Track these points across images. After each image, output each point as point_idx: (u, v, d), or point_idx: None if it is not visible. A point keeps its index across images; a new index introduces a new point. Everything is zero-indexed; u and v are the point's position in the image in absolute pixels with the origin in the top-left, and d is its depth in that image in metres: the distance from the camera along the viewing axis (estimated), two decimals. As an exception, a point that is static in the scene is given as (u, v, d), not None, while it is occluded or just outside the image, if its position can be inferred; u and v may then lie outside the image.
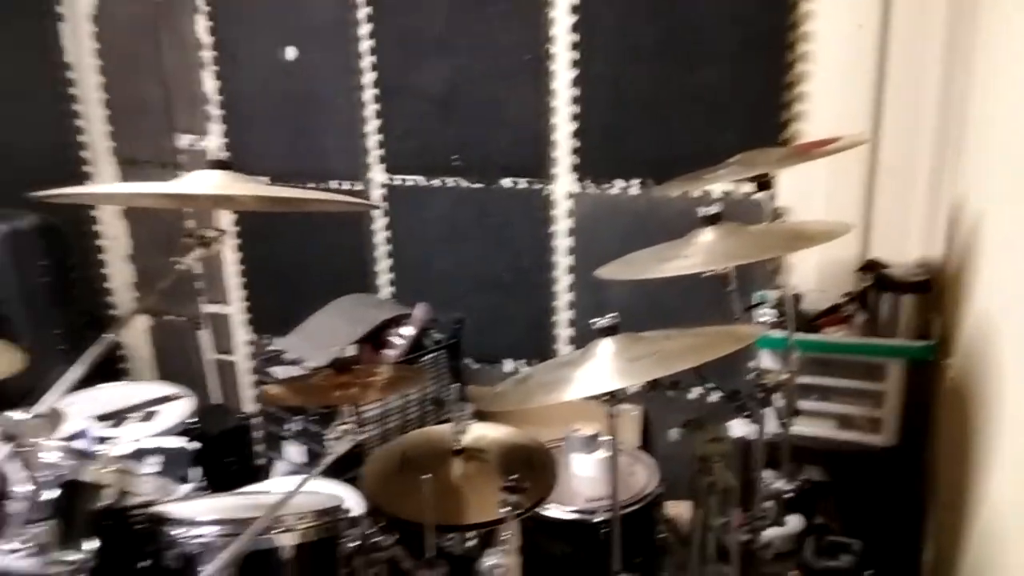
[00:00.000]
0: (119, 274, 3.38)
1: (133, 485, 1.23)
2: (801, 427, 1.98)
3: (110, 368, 3.27)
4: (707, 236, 1.46)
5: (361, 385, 1.27)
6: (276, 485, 1.98)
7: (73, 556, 1.01)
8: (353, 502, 1.50)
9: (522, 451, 1.53)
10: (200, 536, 1.24)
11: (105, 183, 3.25)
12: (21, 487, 1.04)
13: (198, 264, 1.07)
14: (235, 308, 3.20)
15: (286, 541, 1.26)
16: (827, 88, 2.14)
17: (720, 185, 2.24)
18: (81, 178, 3.20)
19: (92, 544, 1.06)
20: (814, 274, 2.23)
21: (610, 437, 1.38)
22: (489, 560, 1.15)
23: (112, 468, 1.21)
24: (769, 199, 1.68)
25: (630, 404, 2.53)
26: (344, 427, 1.20)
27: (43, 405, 0.96)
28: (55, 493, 1.10)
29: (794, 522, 2.07)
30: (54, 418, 0.98)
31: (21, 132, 2.93)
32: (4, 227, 2.49)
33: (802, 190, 2.20)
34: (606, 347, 1.34)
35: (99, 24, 3.11)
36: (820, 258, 2.21)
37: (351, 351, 1.33)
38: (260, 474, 2.74)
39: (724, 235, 1.44)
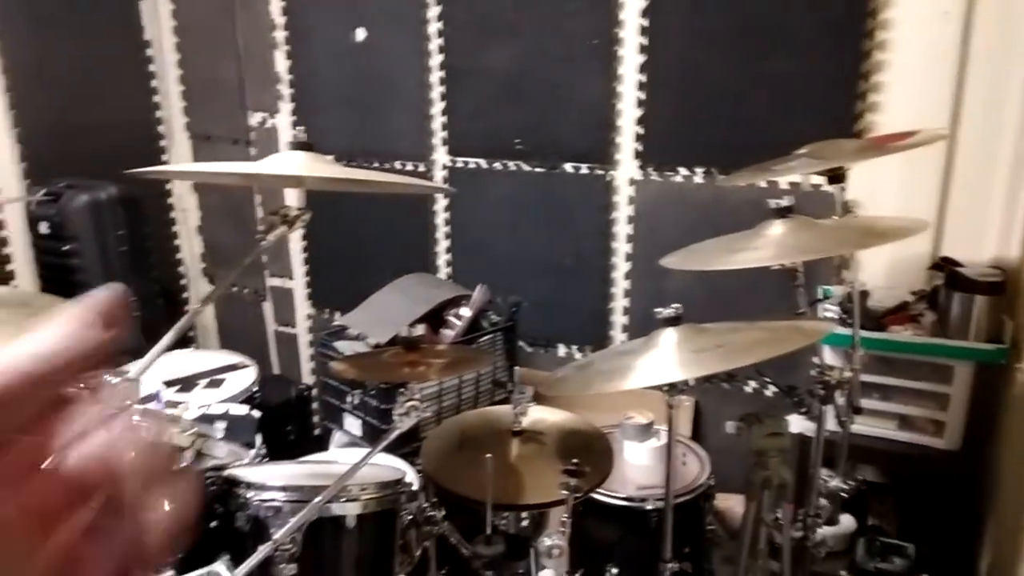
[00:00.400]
0: (189, 245, 3.51)
1: (208, 448, 1.29)
2: (861, 426, 1.95)
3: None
4: (777, 229, 1.44)
5: (428, 364, 1.30)
6: (338, 455, 2.04)
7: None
8: (411, 477, 1.54)
9: (580, 436, 1.55)
10: (270, 501, 1.30)
11: (179, 157, 3.37)
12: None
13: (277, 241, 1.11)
14: (298, 283, 3.29)
15: (350, 510, 1.31)
16: (905, 78, 2.07)
17: (789, 176, 2.20)
18: (157, 152, 3.32)
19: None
20: (883, 270, 2.18)
21: (666, 427, 1.39)
22: (547, 541, 1.18)
23: (190, 431, 1.27)
24: (840, 192, 1.64)
25: (684, 395, 2.52)
26: (410, 403, 1.23)
27: (132, 370, 1.01)
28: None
29: (847, 522, 2.05)
30: (136, 382, 1.03)
31: (103, 107, 3.06)
32: (86, 197, 2.61)
33: (874, 183, 2.14)
34: (669, 337, 1.34)
35: (177, 3, 3.21)
36: (890, 254, 2.16)
37: (416, 330, 1.36)
38: (318, 444, 2.83)
39: (795, 228, 1.42)
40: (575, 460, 1.21)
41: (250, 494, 1.29)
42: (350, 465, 1.26)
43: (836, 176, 1.62)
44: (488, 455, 1.24)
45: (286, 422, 2.89)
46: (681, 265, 1.48)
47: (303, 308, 3.31)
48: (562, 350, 2.76)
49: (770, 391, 2.40)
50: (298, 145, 1.16)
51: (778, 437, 1.58)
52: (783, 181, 2.22)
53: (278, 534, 1.17)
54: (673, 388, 1.34)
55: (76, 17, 2.95)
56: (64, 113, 2.92)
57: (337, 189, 1.36)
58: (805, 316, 1.53)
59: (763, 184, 2.24)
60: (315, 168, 1.06)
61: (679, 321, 1.37)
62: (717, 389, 2.49)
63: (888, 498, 2.16)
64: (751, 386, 2.45)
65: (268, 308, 3.42)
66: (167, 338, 1.09)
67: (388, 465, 1.57)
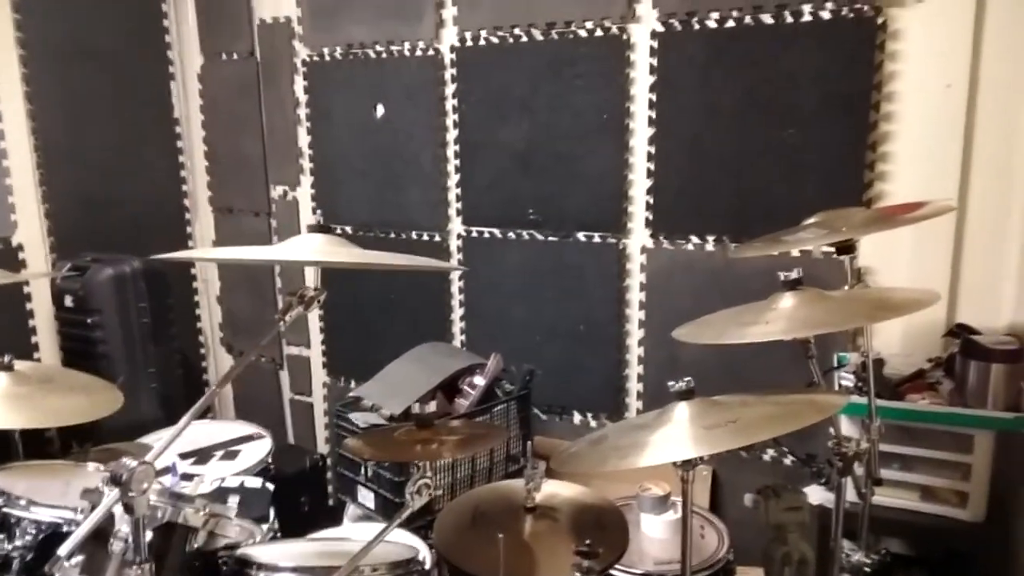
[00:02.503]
0: (209, 314, 3.57)
1: (221, 528, 1.30)
2: (882, 497, 1.91)
3: (194, 403, 3.42)
4: (788, 302, 1.45)
5: (441, 441, 1.31)
6: (351, 531, 2.02)
7: (167, 595, 1.06)
8: (424, 553, 1.52)
9: (594, 512, 1.53)
10: (282, 581, 1.29)
11: (203, 230, 3.46)
12: (124, 528, 1.11)
13: (294, 320, 1.14)
14: (314, 351, 3.32)
15: (363, 591, 1.30)
16: (912, 149, 2.10)
17: (799, 245, 2.22)
18: (181, 225, 3.41)
19: (182, 584, 1.11)
20: (898, 337, 2.17)
21: (682, 501, 1.37)
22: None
23: (203, 511, 1.28)
24: (851, 262, 1.66)
25: (700, 466, 2.48)
26: (423, 481, 1.23)
27: (152, 454, 1.03)
28: (153, 535, 1.17)
29: (874, 597, 1.99)
30: (152, 467, 1.05)
31: (131, 182, 3.17)
32: (111, 271, 2.68)
33: (886, 251, 2.15)
34: (682, 411, 1.34)
35: (205, 82, 3.35)
36: (905, 321, 2.14)
37: (430, 406, 1.37)
38: (331, 516, 2.81)
39: (805, 301, 1.43)
40: (588, 541, 1.20)
41: (262, 575, 1.28)
42: (361, 544, 1.25)
43: (846, 247, 1.63)
44: (500, 535, 1.23)
45: (300, 493, 2.87)
46: (693, 338, 1.49)
47: (319, 376, 3.33)
48: (577, 417, 2.74)
49: (788, 461, 2.37)
50: (316, 228, 1.20)
51: (797, 511, 1.56)
52: (794, 249, 2.24)
53: (288, 617, 1.16)
54: (687, 463, 1.34)
55: (109, 95, 3.08)
56: (93, 189, 3.03)
57: (357, 268, 1.38)
58: (819, 387, 1.52)
59: (775, 253, 2.26)
60: (331, 252, 1.10)
61: (692, 395, 1.37)
62: (735, 458, 2.45)
63: (914, 571, 2.10)
64: (769, 454, 2.41)
65: (284, 376, 3.44)
66: (185, 419, 1.11)
67: (401, 542, 1.55)
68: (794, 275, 1.46)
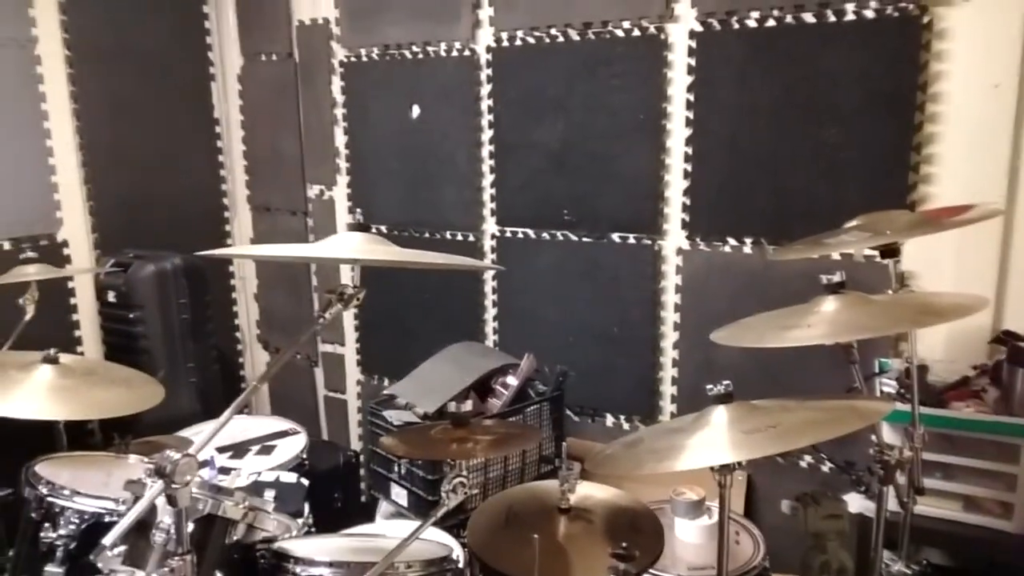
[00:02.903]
0: (246, 311, 3.62)
1: (260, 521, 1.32)
2: (923, 507, 1.87)
3: (232, 399, 3.48)
4: (830, 305, 1.43)
5: (476, 440, 1.31)
6: (384, 528, 2.03)
7: (207, 587, 1.08)
8: (457, 551, 1.53)
9: (629, 514, 1.52)
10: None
11: (241, 228, 3.51)
12: (166, 520, 1.13)
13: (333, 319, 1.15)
14: (349, 349, 3.35)
15: (398, 588, 1.30)
16: (958, 150, 2.05)
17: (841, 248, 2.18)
18: (221, 223, 3.47)
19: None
20: (942, 344, 2.12)
21: (719, 506, 1.36)
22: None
23: (244, 504, 1.30)
24: (895, 266, 1.62)
25: (738, 469, 2.46)
26: (458, 480, 1.24)
27: (195, 446, 1.05)
28: (193, 527, 1.19)
29: (914, 608, 1.95)
30: (195, 459, 1.07)
31: (173, 181, 3.24)
32: (152, 267, 2.73)
33: (930, 255, 2.10)
34: (720, 415, 1.33)
35: (244, 83, 3.40)
36: (949, 327, 2.10)
37: (466, 405, 1.37)
38: (365, 513, 2.83)
39: (848, 305, 1.41)
40: (624, 544, 1.19)
41: (298, 569, 1.30)
42: (396, 540, 1.26)
43: (890, 251, 1.60)
44: (535, 535, 1.23)
45: (333, 489, 2.90)
46: (732, 341, 1.47)
47: (353, 374, 3.36)
48: (610, 420, 2.73)
49: (827, 467, 2.33)
50: (355, 227, 1.21)
51: (836, 519, 1.53)
52: (835, 253, 2.20)
53: (325, 611, 1.17)
54: (725, 468, 1.32)
55: (152, 96, 3.15)
56: (135, 187, 3.09)
57: (393, 266, 1.39)
58: (860, 393, 1.49)
59: (814, 255, 2.23)
60: (370, 250, 1.11)
61: (731, 399, 1.35)
62: (771, 464, 2.42)
63: (956, 583, 2.05)
64: (806, 461, 2.37)
65: (319, 374, 3.48)
66: (227, 413, 1.13)
67: (435, 540, 1.56)
68: (837, 278, 1.44)
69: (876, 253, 2.06)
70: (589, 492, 1.55)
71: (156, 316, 2.74)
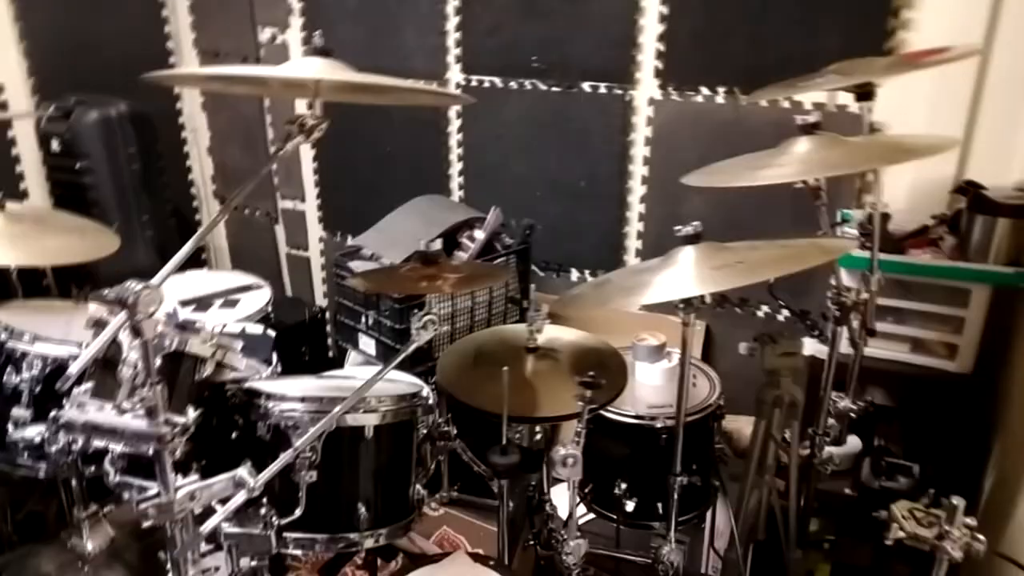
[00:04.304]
0: (200, 166, 3.48)
1: (230, 359, 1.31)
2: (873, 349, 1.95)
3: (192, 256, 3.42)
4: (803, 146, 1.41)
5: (445, 278, 1.30)
6: (355, 372, 2.06)
7: (179, 419, 1.08)
8: (426, 391, 1.56)
9: (594, 354, 1.56)
10: (290, 411, 1.32)
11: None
12: (133, 354, 1.11)
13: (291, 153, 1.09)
14: (310, 205, 3.27)
15: (368, 421, 1.33)
16: (938, -7, 1.99)
17: (813, 96, 2.14)
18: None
19: (194, 411, 1.13)
20: (905, 194, 2.14)
21: (682, 346, 1.39)
22: (562, 450, 1.20)
23: (212, 341, 1.29)
24: (868, 111, 1.60)
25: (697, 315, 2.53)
26: (428, 317, 1.24)
27: (157, 278, 1.02)
28: (160, 363, 1.18)
29: (853, 442, 2.08)
30: (159, 290, 1.04)
31: (111, 21, 2.99)
32: (96, 114, 2.58)
33: (901, 104, 2.07)
34: (687, 255, 1.34)
35: (182, -90, 3.09)
36: (913, 177, 2.11)
37: (436, 243, 1.36)
38: (332, 365, 2.87)
39: (822, 145, 1.39)
40: (591, 373, 1.22)
41: (270, 404, 1.31)
42: (367, 379, 1.27)
43: (865, 93, 1.57)
44: (504, 368, 1.25)
45: (300, 343, 2.93)
46: (704, 182, 1.46)
47: (315, 231, 3.31)
48: (575, 274, 2.75)
49: (783, 316, 2.41)
50: (315, 51, 1.13)
51: (791, 357, 1.59)
52: (807, 102, 2.16)
53: (299, 442, 1.19)
54: (689, 306, 1.34)
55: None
56: (72, 27, 2.86)
57: (354, 100, 1.32)
58: (825, 237, 1.51)
59: (786, 105, 2.19)
60: (333, 73, 1.03)
61: (699, 239, 1.35)
62: (729, 314, 2.49)
63: (895, 420, 2.19)
64: (763, 311, 2.45)
65: (280, 231, 3.41)
66: (183, 251, 1.09)
67: (405, 381, 1.59)
68: (811, 118, 1.41)
69: (850, 102, 2.04)
70: (556, 335, 1.58)
71: (104, 166, 2.61)
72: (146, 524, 1.07)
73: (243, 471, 1.15)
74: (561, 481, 1.33)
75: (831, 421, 1.90)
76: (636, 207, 2.56)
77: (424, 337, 1.24)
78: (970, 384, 1.88)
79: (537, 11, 2.49)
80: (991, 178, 2.00)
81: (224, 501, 1.16)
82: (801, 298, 2.06)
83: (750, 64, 2.23)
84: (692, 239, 1.35)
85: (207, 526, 1.14)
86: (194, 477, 1.13)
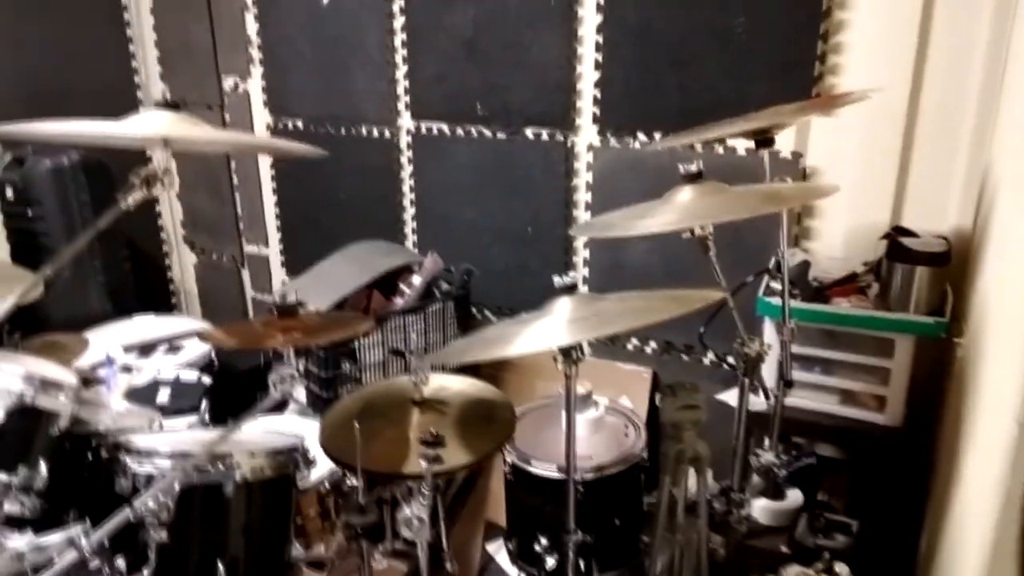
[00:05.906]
0: (170, 212, 3.53)
1: (91, 414, 1.30)
2: (803, 400, 1.89)
3: (159, 300, 3.45)
4: (686, 195, 1.39)
5: (303, 329, 1.28)
6: (277, 421, 2.02)
7: (17, 475, 1.07)
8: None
9: (484, 404, 1.52)
10: (152, 466, 1.29)
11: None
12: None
13: (136, 206, 1.09)
14: (273, 250, 3.29)
15: (229, 477, 1.30)
16: (866, 40, 1.96)
17: (732, 141, 2.13)
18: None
19: (42, 465, 1.11)
20: (840, 241, 2.09)
21: (565, 397, 1.36)
22: (407, 511, 1.16)
23: (70, 397, 1.27)
24: (768, 157, 1.57)
25: (641, 366, 2.48)
26: (288, 372, 1.21)
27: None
28: (11, 416, 1.17)
29: (794, 497, 2.00)
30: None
31: (78, 73, 3.06)
32: (48, 163, 2.63)
33: (833, 152, 2.06)
34: (563, 305, 1.31)
35: (148, -34, 3.19)
36: (846, 225, 2.07)
37: (291, 297, 1.34)
38: (281, 410, 2.84)
39: (702, 194, 1.36)
40: (433, 430, 1.19)
41: (128, 459, 1.28)
42: (268, 431, 1.25)
43: (764, 140, 1.54)
44: (355, 421, 1.22)
45: (254, 388, 2.91)
46: (588, 233, 1.44)
47: (278, 275, 3.32)
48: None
49: (727, 365, 2.34)
50: (164, 104, 1.13)
51: (692, 410, 1.53)
52: (740, 148, 2.15)
53: (139, 500, 1.16)
54: (568, 356, 1.31)
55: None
56: (37, 78, 2.93)
57: (211, 151, 1.32)
58: (720, 286, 1.47)
59: (720, 151, 2.18)
60: (175, 128, 1.03)
61: (574, 290, 1.33)
62: (676, 361, 2.44)
63: (842, 473, 2.11)
64: (709, 359, 2.39)
65: (246, 275, 3.43)
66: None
67: (293, 433, 1.56)
68: (694, 168, 1.39)
69: (781, 147, 2.02)
70: (448, 384, 1.54)
71: (56, 213, 2.65)
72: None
73: (78, 529, 1.12)
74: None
75: (755, 477, 1.83)
76: (581, 252, 2.53)
77: (282, 392, 1.22)
78: (903, 437, 1.80)
79: (479, 58, 2.51)
80: (928, 224, 1.95)
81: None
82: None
83: (683, 110, 2.22)
84: (568, 290, 1.33)
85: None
86: (27, 535, 1.11)
